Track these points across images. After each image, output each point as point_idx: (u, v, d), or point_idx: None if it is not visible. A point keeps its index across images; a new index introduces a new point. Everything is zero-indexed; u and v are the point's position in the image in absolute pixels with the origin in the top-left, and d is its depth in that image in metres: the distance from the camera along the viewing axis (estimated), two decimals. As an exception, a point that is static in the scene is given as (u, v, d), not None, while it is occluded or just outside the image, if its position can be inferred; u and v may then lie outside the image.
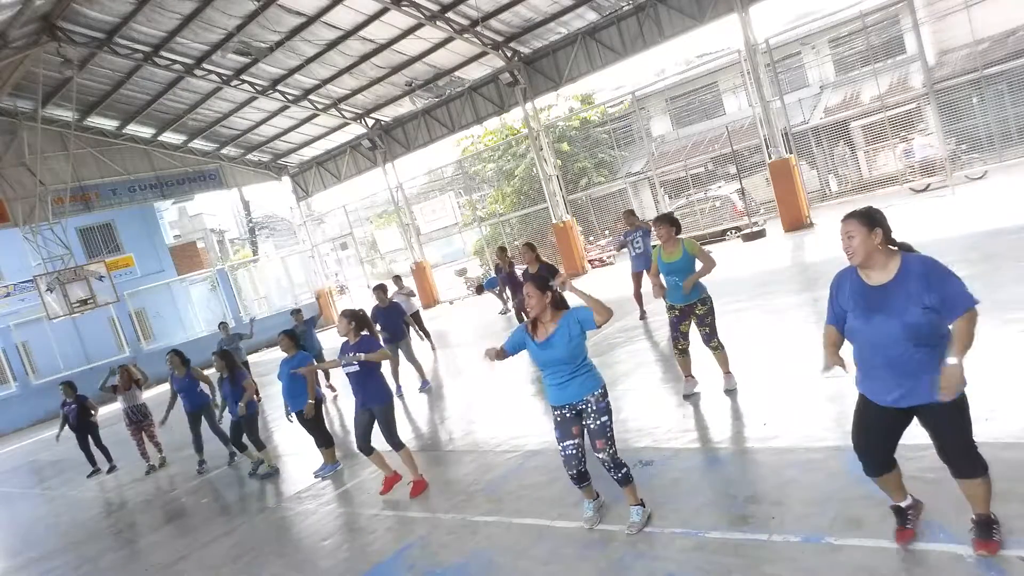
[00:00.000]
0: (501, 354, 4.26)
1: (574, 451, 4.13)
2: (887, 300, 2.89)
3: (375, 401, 5.83)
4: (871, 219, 2.97)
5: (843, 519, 3.56)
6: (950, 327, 2.87)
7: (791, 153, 15.69)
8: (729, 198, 19.17)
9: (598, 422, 4.05)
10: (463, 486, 5.71)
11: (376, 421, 5.87)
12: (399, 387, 9.86)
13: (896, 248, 3.02)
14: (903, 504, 3.29)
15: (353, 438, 7.42)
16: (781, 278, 10.37)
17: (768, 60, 15.52)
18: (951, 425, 2.95)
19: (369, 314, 10.01)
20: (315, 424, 7.03)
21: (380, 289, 10.07)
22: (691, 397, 6.24)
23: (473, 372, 10.56)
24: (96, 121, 20.88)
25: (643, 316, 10.28)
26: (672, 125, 26.63)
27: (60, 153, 20.09)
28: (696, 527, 3.96)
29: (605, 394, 4.13)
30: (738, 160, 19.05)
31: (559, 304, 4.19)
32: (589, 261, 19.91)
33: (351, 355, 5.74)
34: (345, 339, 5.94)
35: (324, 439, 7.13)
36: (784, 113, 15.94)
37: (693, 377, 6.34)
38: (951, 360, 2.78)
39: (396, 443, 5.85)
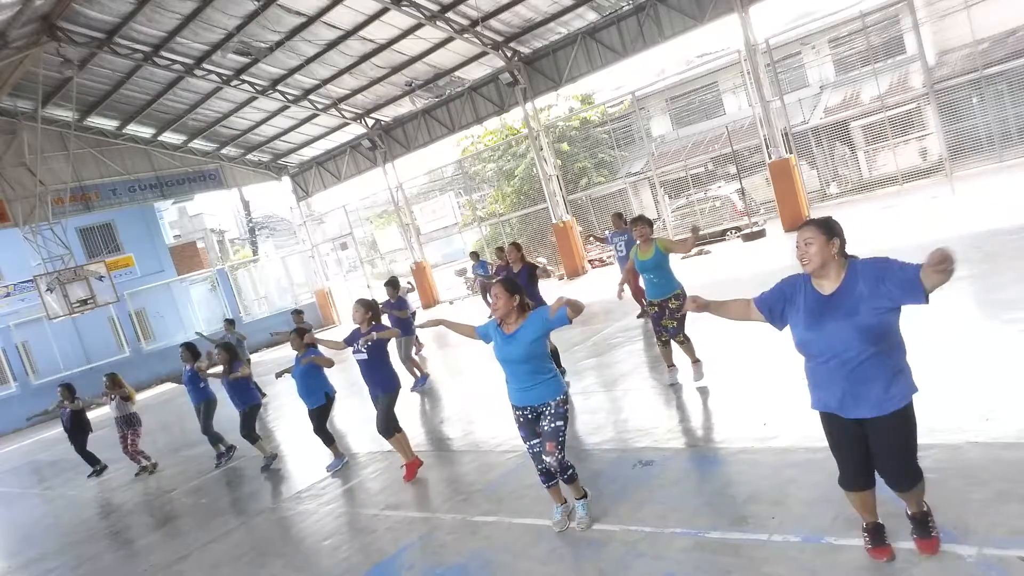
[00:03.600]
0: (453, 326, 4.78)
1: (540, 449, 4.29)
2: (838, 306, 2.92)
3: (381, 388, 6.08)
4: (830, 229, 2.99)
5: (843, 519, 3.55)
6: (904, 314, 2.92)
7: (791, 153, 15.69)
8: (729, 198, 19.19)
9: (553, 425, 4.18)
10: (463, 486, 5.71)
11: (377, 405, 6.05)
12: (423, 376, 10.17)
13: (848, 259, 3.04)
14: (880, 521, 3.28)
15: (351, 438, 7.47)
16: (778, 277, 10.34)
17: (768, 60, 15.52)
18: (896, 442, 2.97)
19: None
20: (323, 421, 7.11)
21: (391, 284, 10.21)
22: (675, 386, 6.57)
23: (473, 372, 10.56)
24: (96, 121, 20.87)
25: (642, 314, 10.30)
26: (672, 125, 26.62)
27: (60, 153, 20.08)
28: (696, 527, 3.96)
29: (566, 400, 4.26)
30: (738, 160, 19.05)
31: (526, 308, 4.32)
32: (589, 261, 19.91)
33: (372, 334, 5.92)
34: (356, 327, 6.13)
35: (326, 437, 7.19)
36: (784, 113, 15.93)
37: (675, 366, 6.69)
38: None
39: (387, 431, 6.05)
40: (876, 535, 3.23)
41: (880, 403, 2.92)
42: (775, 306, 3.21)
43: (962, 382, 4.91)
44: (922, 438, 4.15)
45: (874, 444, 3.02)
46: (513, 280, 4.38)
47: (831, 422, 3.11)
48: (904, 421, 2.95)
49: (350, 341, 6.15)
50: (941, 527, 3.27)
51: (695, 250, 16.79)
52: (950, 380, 5.02)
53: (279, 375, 7.76)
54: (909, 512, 3.17)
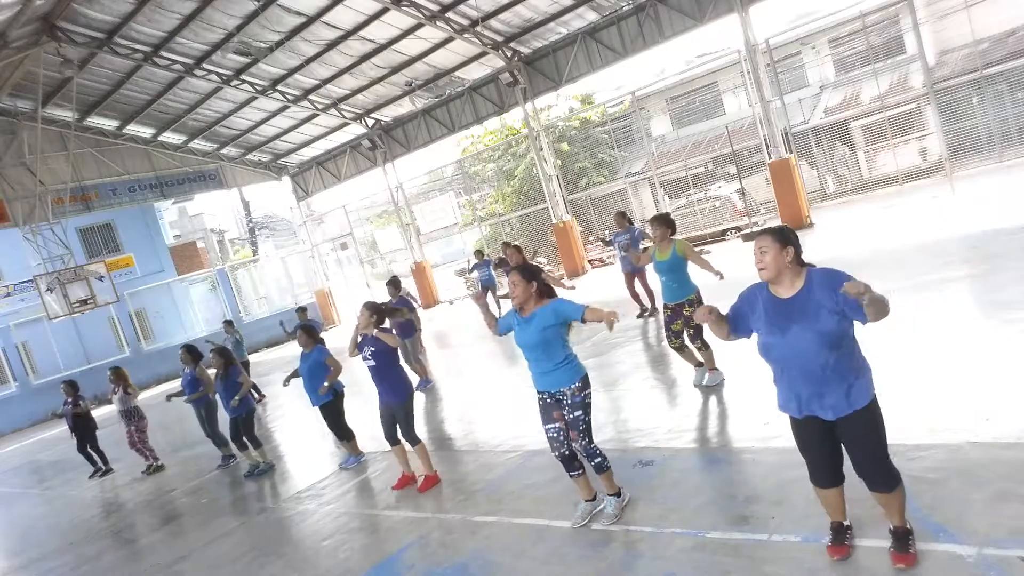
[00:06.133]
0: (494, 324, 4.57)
1: (556, 434, 4.29)
2: (799, 311, 3.03)
3: (394, 396, 5.88)
4: (784, 237, 3.10)
5: (843, 519, 3.55)
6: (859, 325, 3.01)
7: (791, 153, 15.69)
8: (729, 198, 19.18)
9: (572, 415, 4.21)
10: (463, 486, 5.71)
11: (395, 415, 5.93)
12: (423, 380, 10.01)
13: (804, 266, 3.15)
14: (845, 523, 3.37)
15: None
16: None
17: (768, 60, 15.52)
18: (866, 438, 3.06)
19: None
20: (336, 417, 7.11)
21: (392, 284, 10.11)
22: (700, 387, 6.36)
23: (473, 372, 10.56)
24: (96, 121, 20.87)
25: (641, 314, 10.32)
26: (672, 125, 26.63)
27: (60, 153, 20.09)
28: (696, 527, 3.96)
29: (584, 387, 4.24)
30: (738, 160, 19.06)
31: (545, 294, 4.32)
32: (589, 261, 19.91)
33: (369, 340, 5.87)
34: (365, 332, 6.01)
35: (345, 432, 7.19)
36: (784, 113, 15.94)
37: (702, 365, 6.42)
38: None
39: (412, 438, 5.91)
40: (837, 534, 3.34)
41: (842, 405, 3.03)
42: (740, 317, 3.31)
43: (962, 382, 4.91)
44: (922, 438, 4.19)
45: (846, 444, 3.13)
46: (530, 266, 4.37)
47: (799, 424, 3.22)
48: (870, 418, 3.05)
49: (360, 347, 6.02)
50: (941, 527, 3.28)
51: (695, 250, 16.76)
52: (950, 380, 5.02)
53: (287, 382, 7.65)
54: (891, 525, 3.19)
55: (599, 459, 4.27)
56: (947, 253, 9.01)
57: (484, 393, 8.88)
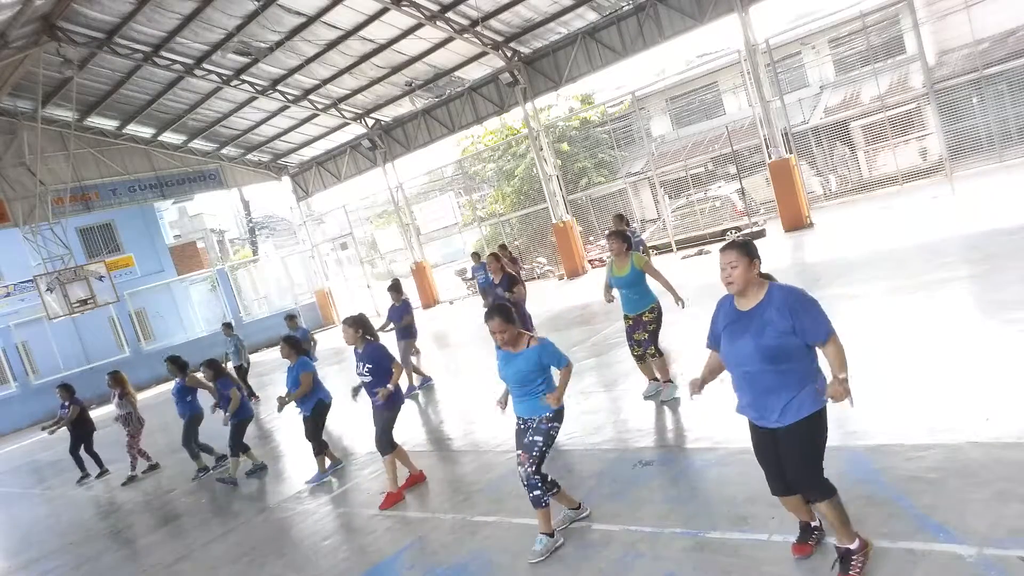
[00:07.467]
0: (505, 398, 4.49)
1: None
2: (751, 323, 3.11)
3: (382, 405, 5.86)
4: (750, 251, 3.16)
5: (843, 519, 3.55)
6: (817, 349, 3.09)
7: (791, 153, 15.68)
8: (729, 198, 19.18)
9: (530, 439, 4.20)
10: (463, 486, 5.72)
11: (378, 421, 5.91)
12: (426, 379, 10.04)
13: (763, 278, 3.22)
14: (812, 523, 3.41)
15: (351, 439, 7.44)
16: (780, 279, 10.33)
17: (768, 60, 15.52)
18: (799, 450, 3.10)
19: (386, 312, 10.07)
20: (313, 430, 7.03)
21: (394, 288, 10.05)
22: (651, 399, 6.49)
23: (472, 372, 10.55)
24: (96, 121, 20.86)
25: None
26: (672, 125, 26.64)
27: (60, 153, 20.08)
28: (696, 527, 3.96)
29: (554, 419, 4.21)
30: (738, 160, 19.06)
31: (524, 332, 4.33)
32: (589, 261, 19.91)
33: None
34: (353, 347, 6.02)
35: (316, 445, 7.08)
36: (784, 113, 15.94)
37: (657, 380, 6.57)
38: (841, 375, 2.93)
39: (384, 447, 5.85)
40: (803, 532, 3.41)
41: (781, 414, 3.08)
42: (716, 335, 3.35)
43: (962, 382, 4.91)
44: (922, 438, 4.19)
45: (781, 452, 3.17)
46: (507, 308, 4.22)
47: (752, 428, 3.27)
48: (805, 431, 3.07)
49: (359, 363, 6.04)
50: (941, 527, 3.28)
51: (695, 250, 16.80)
52: (950, 380, 5.02)
53: (281, 408, 7.08)
54: (835, 544, 3.18)
55: (538, 492, 4.11)
56: (947, 253, 9.01)
57: (484, 393, 8.86)
